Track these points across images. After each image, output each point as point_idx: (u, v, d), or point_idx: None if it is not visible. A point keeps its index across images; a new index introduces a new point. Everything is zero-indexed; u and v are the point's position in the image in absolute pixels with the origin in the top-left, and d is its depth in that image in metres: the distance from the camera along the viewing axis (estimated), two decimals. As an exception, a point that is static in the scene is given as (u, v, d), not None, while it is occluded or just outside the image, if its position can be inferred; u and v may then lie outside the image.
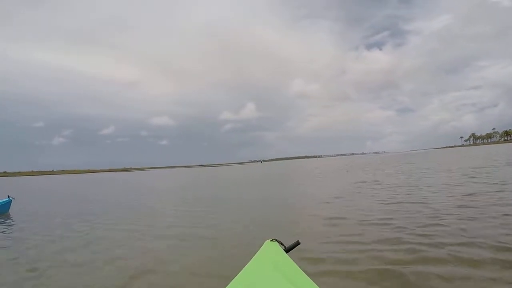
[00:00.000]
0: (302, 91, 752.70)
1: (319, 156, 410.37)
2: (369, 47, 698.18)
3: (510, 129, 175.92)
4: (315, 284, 1.25)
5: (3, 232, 6.57)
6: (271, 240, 1.79)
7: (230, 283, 1.28)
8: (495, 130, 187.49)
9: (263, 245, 1.76)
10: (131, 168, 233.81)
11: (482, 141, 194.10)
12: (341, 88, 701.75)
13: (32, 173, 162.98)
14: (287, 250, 1.73)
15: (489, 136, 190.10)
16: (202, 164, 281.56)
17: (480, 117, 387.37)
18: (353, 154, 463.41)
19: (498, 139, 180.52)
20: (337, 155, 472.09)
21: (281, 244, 1.75)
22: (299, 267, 1.44)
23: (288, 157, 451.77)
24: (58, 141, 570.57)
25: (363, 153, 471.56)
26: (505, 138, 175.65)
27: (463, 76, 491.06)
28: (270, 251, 1.68)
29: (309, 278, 1.31)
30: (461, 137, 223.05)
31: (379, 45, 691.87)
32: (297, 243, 1.79)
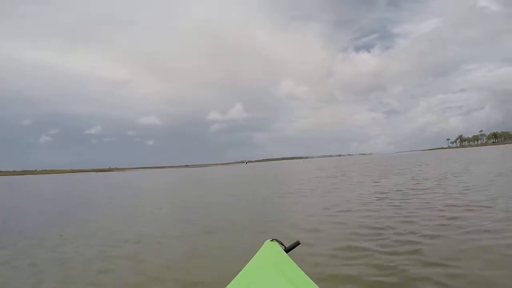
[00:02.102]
0: (291, 92, 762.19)
1: (306, 158, 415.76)
2: (358, 49, 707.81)
3: (497, 131, 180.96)
4: (315, 284, 1.26)
5: None
6: (271, 240, 1.80)
7: (230, 283, 1.30)
8: (482, 133, 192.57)
9: (263, 245, 1.78)
10: (115, 168, 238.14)
11: (469, 143, 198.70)
12: (329, 89, 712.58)
13: (14, 173, 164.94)
14: (287, 250, 1.75)
15: (476, 138, 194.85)
16: (187, 164, 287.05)
17: (466, 119, 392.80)
18: (339, 155, 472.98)
19: (485, 141, 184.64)
20: (324, 156, 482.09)
21: (281, 244, 1.77)
22: (299, 267, 1.45)
23: (275, 158, 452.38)
24: (45, 140, 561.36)
25: (349, 155, 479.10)
26: (493, 140, 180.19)
27: (450, 79, 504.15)
28: (270, 251, 1.70)
29: (309, 278, 1.32)
30: (448, 139, 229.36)
31: (367, 48, 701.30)
32: (297, 243, 1.81)
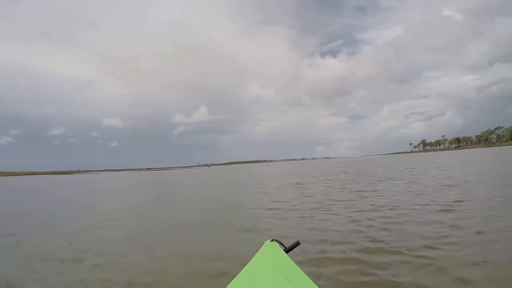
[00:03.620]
0: (257, 95, 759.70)
1: (269, 161, 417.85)
2: (324, 54, 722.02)
3: (460, 136, 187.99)
4: (315, 284, 1.26)
5: None
6: (271, 240, 1.81)
7: (230, 283, 1.31)
8: (444, 137, 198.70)
9: (263, 245, 1.79)
10: (76, 170, 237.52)
11: (431, 147, 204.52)
12: (295, 93, 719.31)
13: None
14: (287, 250, 1.74)
15: (438, 142, 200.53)
16: (150, 167, 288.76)
17: (428, 125, 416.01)
18: (303, 159, 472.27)
19: (447, 146, 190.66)
20: (288, 159, 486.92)
21: (281, 244, 1.77)
22: (299, 267, 1.46)
23: (238, 161, 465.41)
24: (6, 141, 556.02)
25: (313, 158, 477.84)
26: (456, 144, 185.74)
27: (413, 85, 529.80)
28: (270, 251, 1.71)
29: (309, 279, 1.33)
30: (411, 144, 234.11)
31: (333, 53, 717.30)
32: (297, 243, 1.80)
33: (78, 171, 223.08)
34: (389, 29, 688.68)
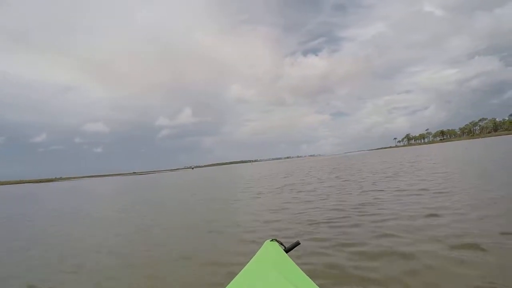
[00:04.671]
0: (240, 96, 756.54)
1: (254, 161, 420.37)
2: (306, 53, 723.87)
3: (444, 129, 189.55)
4: (315, 284, 1.26)
5: None
6: (271, 240, 1.81)
7: (230, 283, 1.31)
8: (428, 131, 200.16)
9: (263, 245, 1.78)
10: (60, 177, 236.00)
11: (416, 141, 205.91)
12: (278, 93, 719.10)
13: None
14: (287, 250, 1.74)
15: (423, 136, 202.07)
16: (135, 171, 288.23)
17: (412, 119, 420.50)
18: (288, 157, 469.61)
19: (431, 139, 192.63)
20: (273, 159, 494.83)
21: (281, 244, 1.77)
22: (299, 267, 1.45)
23: (223, 162, 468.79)
24: None
25: (298, 156, 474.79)
26: (441, 137, 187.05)
27: (395, 81, 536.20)
28: (270, 251, 1.70)
29: (309, 278, 1.32)
30: (395, 138, 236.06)
31: (315, 51, 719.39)
32: (297, 243, 1.81)
33: (61, 179, 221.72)
34: (370, 26, 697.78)
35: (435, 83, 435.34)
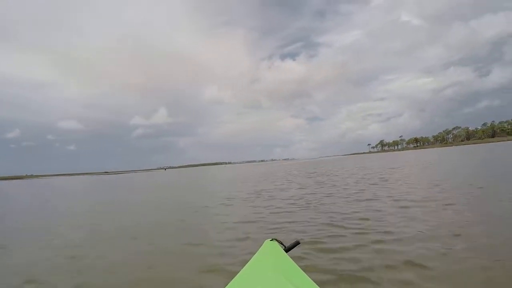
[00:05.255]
0: (216, 97, 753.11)
1: (228, 163, 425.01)
2: (283, 57, 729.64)
3: (417, 137, 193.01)
4: (315, 284, 1.27)
5: None
6: (271, 240, 1.83)
7: (230, 282, 1.33)
8: (402, 138, 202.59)
9: (263, 244, 1.81)
10: (30, 175, 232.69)
11: (389, 148, 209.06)
12: (254, 95, 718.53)
13: None
14: (287, 250, 1.75)
15: (396, 143, 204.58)
16: (107, 171, 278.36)
17: (386, 126, 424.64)
18: (262, 160, 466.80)
19: (404, 146, 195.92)
20: (247, 161, 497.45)
21: (281, 243, 1.79)
22: (299, 266, 1.47)
23: (197, 163, 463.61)
24: None
25: (272, 160, 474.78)
26: (414, 144, 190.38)
27: (370, 88, 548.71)
28: (270, 250, 1.71)
29: (309, 278, 1.33)
30: (369, 144, 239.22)
31: (292, 56, 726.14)
32: (297, 243, 1.82)
33: (32, 176, 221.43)
34: (348, 33, 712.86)
35: (409, 91, 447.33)
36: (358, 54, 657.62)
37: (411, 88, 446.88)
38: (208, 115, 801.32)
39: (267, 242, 1.80)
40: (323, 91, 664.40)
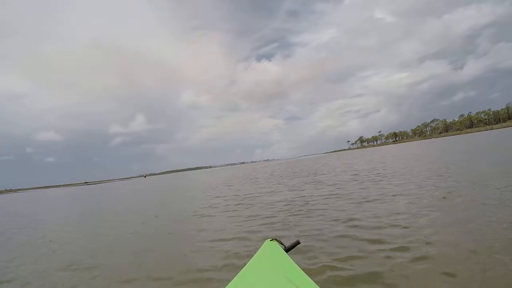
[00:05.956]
0: (193, 102, 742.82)
1: (209, 167, 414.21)
2: (259, 58, 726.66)
3: (397, 131, 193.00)
4: (315, 284, 1.27)
5: None
6: (271, 240, 1.84)
7: (230, 282, 1.34)
8: (381, 133, 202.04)
9: (263, 244, 1.83)
10: (5, 190, 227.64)
11: (369, 143, 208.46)
12: (232, 98, 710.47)
13: None
14: (287, 250, 1.76)
15: (375, 138, 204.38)
16: (87, 181, 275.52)
17: (364, 122, 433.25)
18: (243, 163, 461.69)
19: (384, 141, 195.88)
20: (227, 164, 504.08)
21: (281, 243, 1.80)
22: (299, 266, 1.46)
23: (178, 169, 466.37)
24: None
25: (253, 162, 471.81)
26: (394, 139, 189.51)
27: (347, 85, 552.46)
28: (270, 250, 1.73)
29: (309, 278, 1.33)
30: (348, 141, 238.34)
31: (268, 57, 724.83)
32: (297, 243, 1.83)
33: (11, 190, 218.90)
34: (323, 32, 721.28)
35: (386, 87, 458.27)
36: (334, 52, 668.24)
37: (388, 83, 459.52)
38: (186, 120, 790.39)
39: (267, 242, 1.81)
40: (301, 90, 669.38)
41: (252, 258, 1.60)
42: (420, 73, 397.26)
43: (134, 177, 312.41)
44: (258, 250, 1.71)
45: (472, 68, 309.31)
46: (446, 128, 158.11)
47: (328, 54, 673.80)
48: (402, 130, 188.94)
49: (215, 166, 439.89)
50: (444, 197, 5.60)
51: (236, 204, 8.25)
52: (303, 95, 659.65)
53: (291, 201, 7.56)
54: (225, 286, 1.25)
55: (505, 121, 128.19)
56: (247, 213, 6.78)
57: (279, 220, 5.47)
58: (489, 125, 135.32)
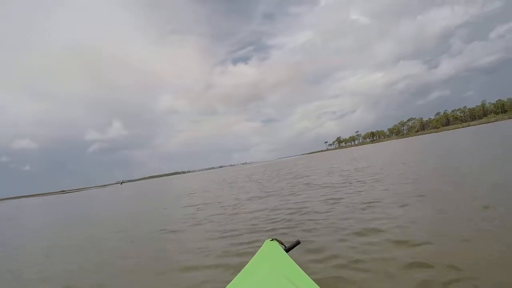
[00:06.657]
0: (171, 107, 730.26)
1: (187, 172, 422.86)
2: (235, 61, 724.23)
3: (374, 131, 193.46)
4: (315, 284, 1.26)
5: None
6: (271, 240, 1.83)
7: (230, 282, 1.34)
8: (358, 133, 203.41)
9: (263, 244, 1.82)
10: None
11: (346, 144, 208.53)
12: (209, 102, 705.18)
13: None
14: (287, 250, 1.76)
15: (353, 138, 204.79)
16: (64, 190, 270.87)
17: (341, 122, 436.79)
18: (221, 166, 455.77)
19: (361, 141, 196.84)
20: (206, 168, 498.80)
21: (281, 243, 1.80)
22: (299, 266, 1.45)
23: (157, 175, 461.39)
24: None
25: (231, 165, 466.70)
26: (371, 138, 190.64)
27: (324, 86, 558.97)
28: (270, 250, 1.73)
29: (309, 278, 1.33)
30: (326, 142, 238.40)
31: (244, 60, 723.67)
32: (298, 243, 1.83)
33: None
34: (299, 34, 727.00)
35: (363, 87, 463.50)
36: (310, 54, 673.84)
37: (364, 84, 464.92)
38: (164, 125, 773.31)
39: (268, 242, 1.80)
40: (277, 92, 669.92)
41: (252, 258, 1.60)
42: (395, 73, 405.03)
43: (112, 184, 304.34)
44: (258, 250, 1.71)
45: (446, 67, 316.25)
46: (423, 127, 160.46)
47: (304, 56, 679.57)
48: (379, 130, 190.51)
49: (193, 171, 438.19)
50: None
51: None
52: (280, 97, 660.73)
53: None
54: (225, 286, 1.25)
55: (481, 118, 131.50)
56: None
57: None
58: (465, 122, 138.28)
